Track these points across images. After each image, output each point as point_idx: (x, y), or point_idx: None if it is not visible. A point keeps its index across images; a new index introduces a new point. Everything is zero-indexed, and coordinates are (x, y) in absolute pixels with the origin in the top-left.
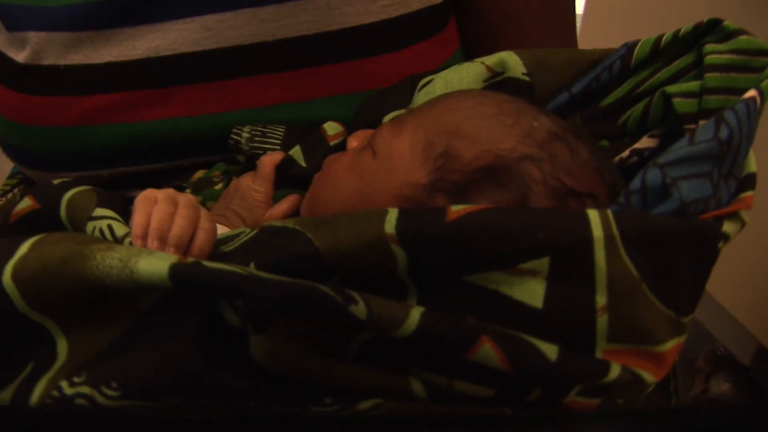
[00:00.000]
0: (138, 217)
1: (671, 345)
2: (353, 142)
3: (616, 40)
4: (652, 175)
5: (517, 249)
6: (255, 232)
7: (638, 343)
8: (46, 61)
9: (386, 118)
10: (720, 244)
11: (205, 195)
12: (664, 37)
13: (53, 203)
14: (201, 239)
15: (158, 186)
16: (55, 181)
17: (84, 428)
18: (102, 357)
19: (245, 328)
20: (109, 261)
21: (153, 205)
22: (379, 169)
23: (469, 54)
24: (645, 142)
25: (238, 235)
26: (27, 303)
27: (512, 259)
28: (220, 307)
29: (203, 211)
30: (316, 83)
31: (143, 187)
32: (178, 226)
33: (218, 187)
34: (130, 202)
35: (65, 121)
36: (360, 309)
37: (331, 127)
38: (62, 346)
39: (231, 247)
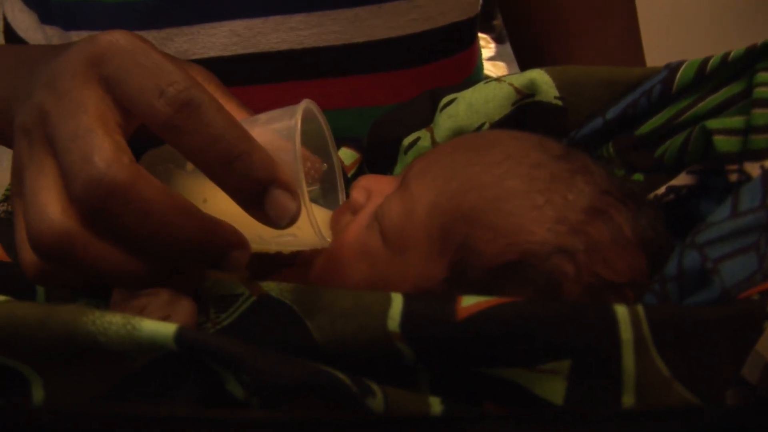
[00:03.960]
0: None
1: None
2: (358, 197)
3: None
4: (690, 259)
5: (534, 352)
6: (252, 300)
7: None
8: None
9: (406, 141)
10: (765, 324)
11: None
12: (710, 61)
13: None
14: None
15: None
16: None
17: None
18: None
19: (249, 400)
20: (110, 318)
21: None
22: (391, 262)
23: (519, 59)
24: (683, 179)
25: (237, 298)
26: None
27: (528, 360)
28: (222, 376)
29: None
30: (339, 93)
31: None
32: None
33: None
34: None
35: None
36: (378, 402)
37: (347, 156)
38: (38, 391)
39: (227, 321)
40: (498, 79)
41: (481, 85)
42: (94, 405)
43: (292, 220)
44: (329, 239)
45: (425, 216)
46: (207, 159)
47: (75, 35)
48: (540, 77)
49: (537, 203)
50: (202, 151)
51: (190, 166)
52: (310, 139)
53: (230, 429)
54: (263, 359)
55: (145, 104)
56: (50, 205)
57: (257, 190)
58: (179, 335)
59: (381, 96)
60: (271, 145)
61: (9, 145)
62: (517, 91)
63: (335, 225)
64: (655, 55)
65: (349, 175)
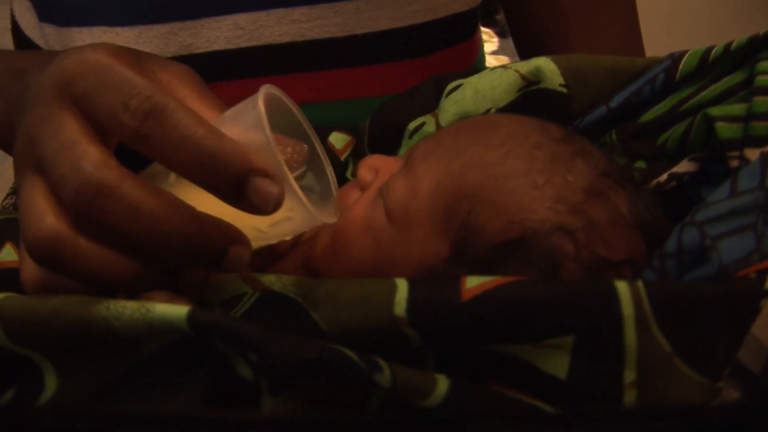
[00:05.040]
0: None
1: None
2: (366, 175)
3: None
4: (689, 236)
5: (538, 329)
6: (257, 296)
7: None
8: None
9: (411, 125)
10: (762, 302)
11: None
12: (713, 50)
13: None
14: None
15: None
16: None
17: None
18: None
19: (258, 381)
20: (123, 303)
21: None
22: (395, 239)
23: (519, 50)
24: (684, 166)
25: (241, 297)
26: (6, 336)
27: (533, 337)
28: (232, 359)
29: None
30: (340, 85)
31: None
32: None
33: None
34: None
35: None
36: (385, 378)
37: (338, 140)
38: (50, 380)
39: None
40: (504, 67)
41: (487, 72)
42: (95, 405)
43: (278, 203)
44: (334, 215)
45: (429, 195)
46: (181, 161)
47: (75, 32)
48: (545, 65)
49: (538, 183)
50: (175, 155)
51: (171, 178)
52: (286, 126)
53: (231, 429)
54: (272, 337)
55: (113, 120)
56: (42, 212)
57: (236, 182)
58: (191, 316)
59: (383, 87)
60: (243, 136)
61: (8, 151)
62: (523, 77)
63: (343, 202)
64: (655, 54)
65: (342, 158)
